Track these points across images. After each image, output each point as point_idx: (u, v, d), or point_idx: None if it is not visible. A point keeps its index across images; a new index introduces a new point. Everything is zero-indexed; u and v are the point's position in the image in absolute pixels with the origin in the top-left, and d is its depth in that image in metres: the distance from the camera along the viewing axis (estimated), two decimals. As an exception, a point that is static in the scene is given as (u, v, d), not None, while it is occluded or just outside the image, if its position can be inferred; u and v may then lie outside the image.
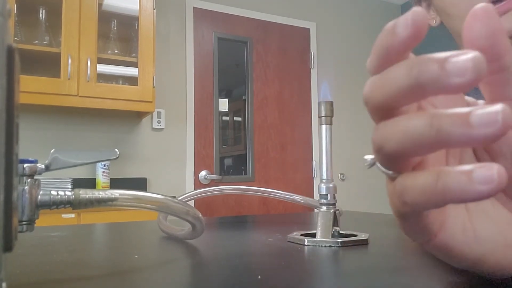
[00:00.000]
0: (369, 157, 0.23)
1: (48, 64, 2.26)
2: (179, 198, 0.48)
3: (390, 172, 0.20)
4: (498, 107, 0.16)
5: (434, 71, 0.16)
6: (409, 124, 0.18)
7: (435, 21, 0.65)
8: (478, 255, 0.22)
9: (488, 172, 0.16)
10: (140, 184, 2.59)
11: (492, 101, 0.22)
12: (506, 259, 0.22)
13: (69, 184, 2.21)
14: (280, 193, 0.60)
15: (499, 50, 0.19)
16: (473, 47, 0.19)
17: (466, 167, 0.17)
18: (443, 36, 0.67)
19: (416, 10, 0.17)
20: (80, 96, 2.23)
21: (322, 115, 0.47)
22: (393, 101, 0.18)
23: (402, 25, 0.17)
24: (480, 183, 0.16)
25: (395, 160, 0.19)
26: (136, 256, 0.40)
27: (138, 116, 2.65)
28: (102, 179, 2.35)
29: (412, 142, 0.17)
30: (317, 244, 0.44)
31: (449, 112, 0.16)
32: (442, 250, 0.22)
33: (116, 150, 0.34)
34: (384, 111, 0.19)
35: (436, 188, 0.17)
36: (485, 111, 0.16)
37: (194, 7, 2.92)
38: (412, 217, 0.20)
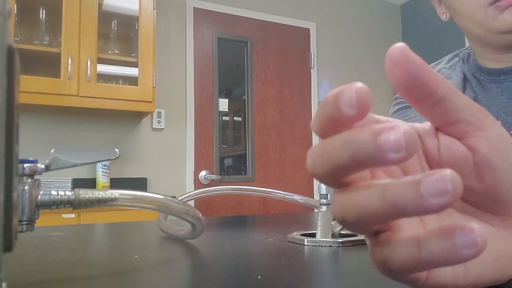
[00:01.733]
0: (336, 224, 0.23)
1: (48, 64, 2.26)
2: (179, 198, 0.48)
3: (361, 233, 0.20)
4: (446, 174, 0.15)
5: (368, 148, 0.16)
6: (363, 200, 0.17)
7: (445, 16, 0.65)
8: (472, 280, 0.22)
9: (471, 235, 0.16)
10: (140, 184, 2.59)
11: (437, 126, 0.22)
12: (499, 272, 0.22)
13: (69, 184, 2.21)
14: (280, 193, 0.60)
15: (429, 88, 0.19)
16: (402, 91, 0.20)
17: (446, 230, 0.17)
18: (454, 30, 0.67)
19: (361, 87, 0.17)
20: (80, 96, 2.23)
21: (322, 115, 0.47)
22: (335, 175, 0.18)
23: (346, 103, 0.17)
24: (464, 248, 0.16)
25: (361, 228, 0.19)
26: (136, 256, 0.40)
27: (138, 116, 2.65)
28: (102, 179, 2.35)
29: (370, 217, 0.17)
30: (317, 244, 0.44)
31: (400, 182, 0.16)
32: None
33: (116, 150, 0.34)
34: (332, 180, 0.19)
35: (421, 257, 0.17)
36: (434, 179, 0.15)
37: (194, 7, 2.92)
38: (399, 275, 0.20)
